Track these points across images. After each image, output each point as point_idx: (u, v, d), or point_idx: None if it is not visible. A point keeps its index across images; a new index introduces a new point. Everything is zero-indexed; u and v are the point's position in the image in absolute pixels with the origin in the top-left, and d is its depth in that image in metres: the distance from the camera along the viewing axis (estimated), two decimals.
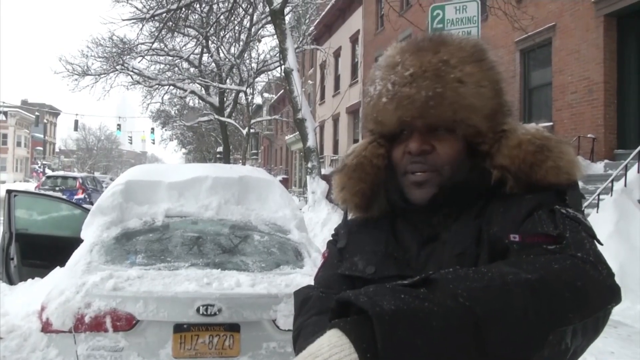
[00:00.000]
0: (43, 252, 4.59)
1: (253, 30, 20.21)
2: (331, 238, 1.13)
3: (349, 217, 1.08)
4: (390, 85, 0.92)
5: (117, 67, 20.94)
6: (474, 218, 0.90)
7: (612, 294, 0.74)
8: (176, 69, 23.55)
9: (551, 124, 11.02)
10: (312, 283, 1.08)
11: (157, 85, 22.86)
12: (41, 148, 66.19)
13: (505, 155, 0.91)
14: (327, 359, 0.59)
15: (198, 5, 17.78)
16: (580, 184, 0.92)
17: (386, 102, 0.92)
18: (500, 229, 0.85)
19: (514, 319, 0.63)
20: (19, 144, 63.39)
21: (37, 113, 43.73)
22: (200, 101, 26.83)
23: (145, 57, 21.48)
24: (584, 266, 0.73)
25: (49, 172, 34.10)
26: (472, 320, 0.61)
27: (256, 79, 24.19)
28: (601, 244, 0.83)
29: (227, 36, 21.25)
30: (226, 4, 17.77)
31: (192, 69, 23.83)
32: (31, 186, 30.83)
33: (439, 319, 0.60)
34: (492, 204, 0.90)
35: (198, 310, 2.50)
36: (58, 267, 3.59)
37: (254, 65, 22.92)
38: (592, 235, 0.82)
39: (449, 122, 0.90)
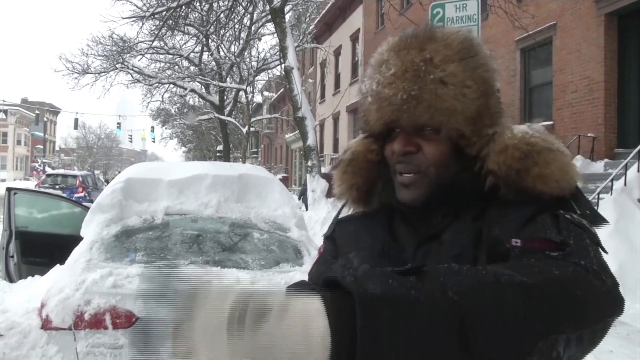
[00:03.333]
0: (43, 250, 4.60)
1: (253, 28, 20.21)
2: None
3: (348, 211, 1.07)
4: (375, 84, 0.90)
5: (117, 66, 20.91)
6: (473, 219, 0.87)
7: (614, 307, 0.71)
8: (176, 67, 23.54)
9: (551, 123, 11.02)
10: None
11: (157, 84, 22.85)
12: (41, 146, 66.02)
13: (494, 161, 0.87)
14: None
15: (198, 4, 17.76)
16: (580, 184, 0.87)
17: (370, 102, 0.91)
18: (502, 232, 0.82)
19: (503, 319, 0.60)
20: (19, 143, 63.44)
21: (37, 111, 43.76)
22: (201, 100, 26.82)
23: (145, 55, 21.50)
24: (587, 275, 0.69)
25: (49, 171, 33.98)
26: (458, 315, 0.59)
27: (256, 78, 24.19)
28: (606, 252, 0.79)
29: (227, 34, 21.22)
30: (226, 2, 17.75)
31: (192, 68, 23.82)
32: (31, 184, 30.81)
33: (424, 309, 0.58)
34: (494, 205, 0.87)
35: None
36: (58, 265, 3.60)
37: (254, 63, 22.91)
38: (597, 243, 0.78)
39: (432, 124, 0.87)
